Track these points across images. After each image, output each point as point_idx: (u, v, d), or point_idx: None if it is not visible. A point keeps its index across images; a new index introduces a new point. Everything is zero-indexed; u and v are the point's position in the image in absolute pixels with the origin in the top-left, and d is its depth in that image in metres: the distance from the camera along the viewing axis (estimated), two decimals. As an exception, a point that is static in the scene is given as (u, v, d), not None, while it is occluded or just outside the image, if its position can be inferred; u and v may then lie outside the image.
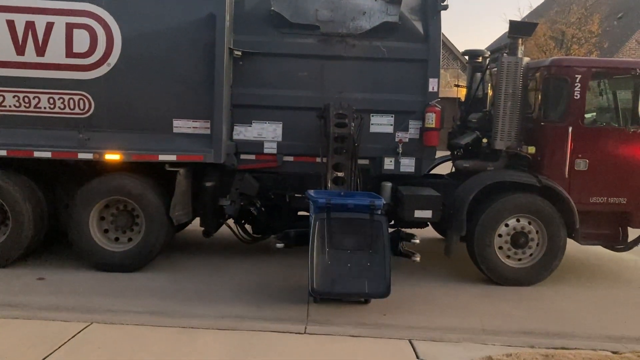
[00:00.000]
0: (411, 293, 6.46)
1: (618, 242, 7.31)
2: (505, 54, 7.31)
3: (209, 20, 6.64)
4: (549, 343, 5.15)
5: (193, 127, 6.99)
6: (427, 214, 7.00)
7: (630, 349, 5.13)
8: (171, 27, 6.77)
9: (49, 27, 6.65)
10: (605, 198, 7.11)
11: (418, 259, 6.50)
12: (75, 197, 6.80)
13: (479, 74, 8.33)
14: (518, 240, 7.00)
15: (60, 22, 6.64)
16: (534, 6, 33.00)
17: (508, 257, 7.01)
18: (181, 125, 6.96)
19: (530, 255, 7.04)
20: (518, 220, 6.97)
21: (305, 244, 5.94)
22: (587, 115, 7.06)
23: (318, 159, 7.11)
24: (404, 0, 7.25)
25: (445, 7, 7.30)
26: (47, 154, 6.75)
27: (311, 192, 6.17)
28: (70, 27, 6.66)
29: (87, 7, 6.62)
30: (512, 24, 7.36)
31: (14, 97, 6.77)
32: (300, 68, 7.16)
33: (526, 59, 7.35)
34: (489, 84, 8.25)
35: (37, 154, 6.74)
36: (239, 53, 6.87)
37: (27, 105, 6.81)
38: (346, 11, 7.32)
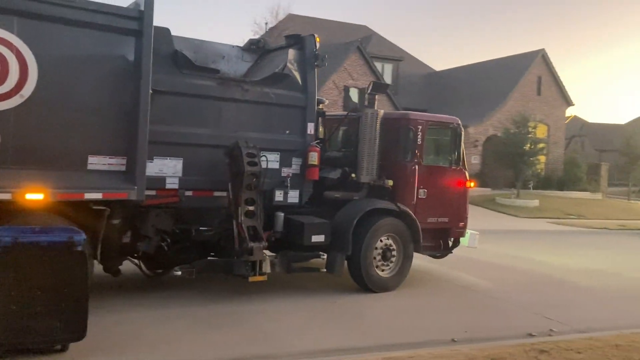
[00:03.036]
0: (120, 330, 6.23)
1: (439, 251, 9.93)
2: (366, 107, 9.19)
3: (130, 54, 6.75)
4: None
5: (108, 164, 6.84)
6: (321, 238, 8.26)
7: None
8: (89, 60, 6.64)
9: None
10: (436, 218, 9.63)
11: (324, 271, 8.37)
12: None
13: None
14: (386, 254, 8.89)
15: None
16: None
17: (378, 267, 8.82)
18: (96, 162, 6.74)
19: (392, 266, 8.98)
20: (387, 239, 8.91)
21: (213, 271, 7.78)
22: (425, 156, 9.38)
23: (216, 193, 7.83)
24: (289, 55, 8.46)
25: (321, 65, 8.70)
26: None
27: None
28: None
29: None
30: (374, 84, 9.49)
31: None
32: (200, 107, 7.63)
33: (381, 111, 9.28)
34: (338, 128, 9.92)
35: None
36: (151, 91, 6.83)
37: None
38: (207, 54, 8.41)
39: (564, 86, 35.23)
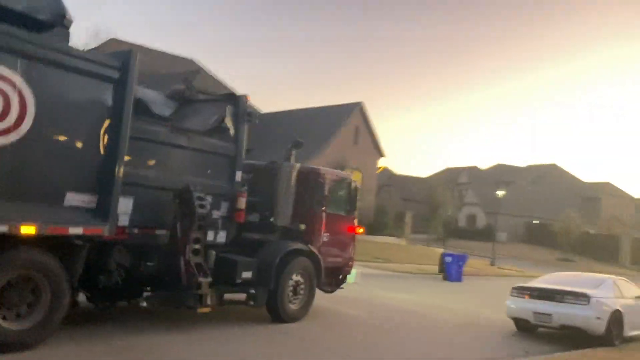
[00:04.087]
0: None
1: (332, 287, 11.57)
2: (284, 162, 10.69)
3: (109, 99, 7.36)
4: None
5: (82, 201, 7.18)
6: (249, 274, 9.37)
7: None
8: (75, 102, 7.12)
9: None
10: (334, 258, 11.27)
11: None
12: None
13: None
14: (296, 289, 10.23)
15: None
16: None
17: (290, 301, 10.11)
18: (72, 199, 7.07)
19: (301, 299, 10.33)
20: (298, 276, 10.21)
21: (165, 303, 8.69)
22: (328, 205, 11.03)
23: (158, 231, 8.48)
24: (227, 110, 9.36)
25: (253, 121, 9.81)
26: None
27: None
28: None
29: (3, 72, 6.36)
30: (294, 142, 11.04)
31: None
32: (151, 151, 8.29)
33: (297, 165, 10.77)
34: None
35: None
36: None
37: None
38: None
39: (378, 138, 38.01)
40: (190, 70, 35.57)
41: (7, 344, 6.45)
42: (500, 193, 38.83)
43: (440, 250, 29.40)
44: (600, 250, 50.50)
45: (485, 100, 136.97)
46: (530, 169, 70.30)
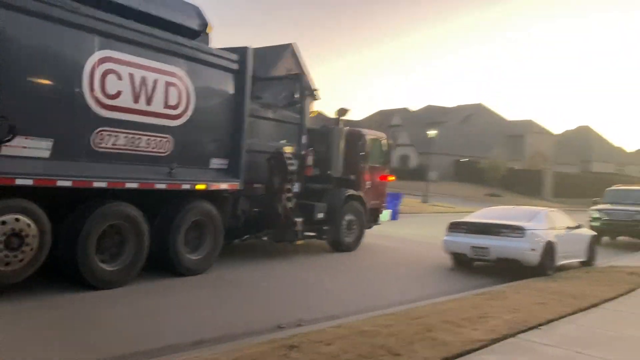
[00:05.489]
0: None
1: (370, 224, 14.42)
2: (334, 126, 13.34)
3: (232, 87, 10.04)
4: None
5: (220, 164, 9.93)
6: (322, 215, 12.56)
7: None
8: (215, 91, 9.83)
9: (155, 82, 8.47)
10: (374, 201, 14.47)
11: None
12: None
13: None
14: (350, 226, 13.33)
15: (161, 79, 8.58)
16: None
17: (346, 235, 13.33)
18: (214, 162, 9.81)
19: (354, 234, 13.53)
20: (350, 215, 13.29)
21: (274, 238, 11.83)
22: (369, 159, 14.19)
23: (255, 185, 11.01)
24: (295, 86, 12.44)
25: (314, 98, 13.28)
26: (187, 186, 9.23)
27: None
28: (166, 84, 8.66)
29: (175, 70, 8.83)
30: (341, 110, 13.39)
31: (124, 137, 8.12)
32: (251, 123, 10.59)
33: (346, 129, 13.67)
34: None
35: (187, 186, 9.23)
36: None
37: (132, 144, 8.24)
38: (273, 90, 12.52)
39: (310, 78, 37.29)
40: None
41: (187, 269, 9.19)
42: (431, 133, 39.39)
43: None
44: (524, 184, 52.77)
45: (415, 44, 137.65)
46: (459, 109, 71.71)
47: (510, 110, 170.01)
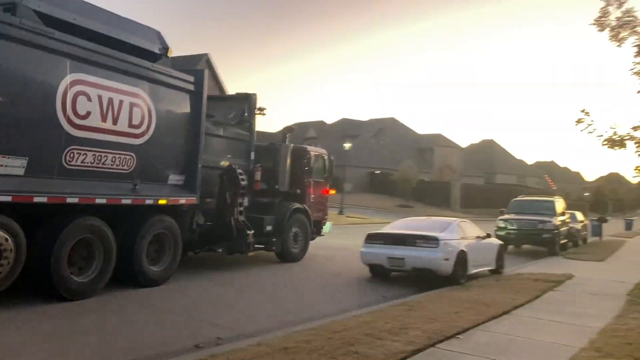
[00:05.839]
0: None
1: (314, 235, 15.24)
2: (281, 143, 14.38)
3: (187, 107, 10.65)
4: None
5: (177, 180, 10.43)
6: (270, 227, 13.31)
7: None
8: (175, 110, 10.35)
9: (120, 102, 8.91)
10: (317, 213, 15.26)
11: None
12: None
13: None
14: (296, 238, 14.15)
15: (126, 100, 9.02)
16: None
17: (293, 247, 14.10)
18: (172, 179, 10.33)
19: (299, 245, 14.28)
20: (296, 228, 14.09)
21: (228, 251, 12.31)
22: (313, 174, 15.12)
23: (207, 199, 11.57)
24: (245, 106, 13.21)
25: (262, 114, 13.63)
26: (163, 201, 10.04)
27: None
28: (130, 105, 9.11)
29: (138, 91, 9.32)
30: (289, 128, 15.60)
31: (92, 155, 8.50)
32: (205, 141, 11.09)
33: (292, 145, 14.59)
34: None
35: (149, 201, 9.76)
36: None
37: (99, 162, 8.62)
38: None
39: (226, 90, 36.80)
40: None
41: (150, 280, 9.65)
42: (347, 146, 39.99)
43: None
44: (434, 196, 54.75)
45: (332, 59, 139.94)
46: (372, 122, 73.44)
47: (420, 124, 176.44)
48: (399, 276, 12.35)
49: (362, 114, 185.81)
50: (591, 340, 6.98)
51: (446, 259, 11.34)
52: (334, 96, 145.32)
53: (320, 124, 72.73)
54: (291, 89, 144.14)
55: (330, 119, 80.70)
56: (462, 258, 11.70)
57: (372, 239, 12.33)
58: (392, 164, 56.79)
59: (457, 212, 47.74)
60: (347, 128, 66.20)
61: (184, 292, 9.62)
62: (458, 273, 11.53)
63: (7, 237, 7.17)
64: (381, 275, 12.26)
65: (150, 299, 8.84)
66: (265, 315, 8.36)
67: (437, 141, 71.60)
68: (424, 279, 11.53)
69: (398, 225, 13.30)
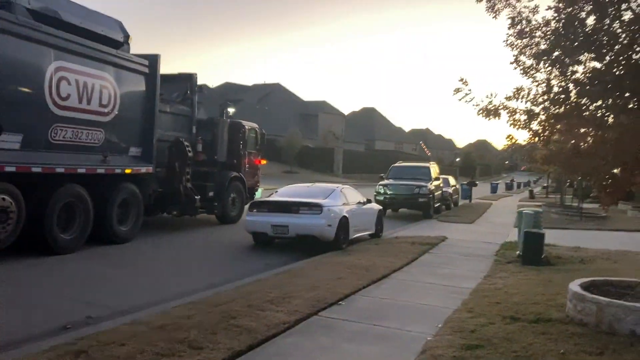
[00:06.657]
0: None
1: (249, 200, 15.77)
2: (219, 117, 16.20)
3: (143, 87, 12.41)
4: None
5: (137, 152, 12.14)
6: (212, 193, 15.14)
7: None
8: (132, 91, 12.02)
9: (92, 85, 10.64)
10: (251, 180, 17.11)
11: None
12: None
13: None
14: (234, 202, 16.05)
15: (97, 83, 10.80)
16: None
17: (231, 210, 16.02)
18: (133, 151, 12.06)
19: (236, 208, 16.13)
20: (234, 193, 15.99)
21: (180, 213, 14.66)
22: (247, 146, 17.12)
23: (158, 169, 12.98)
24: (188, 84, 14.89)
25: (204, 92, 16.22)
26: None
27: None
28: (100, 87, 10.87)
29: (106, 75, 11.06)
30: (226, 102, 17.16)
31: (72, 131, 10.23)
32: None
33: (228, 120, 16.43)
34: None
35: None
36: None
37: (76, 137, 10.35)
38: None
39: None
40: None
41: (121, 238, 11.48)
42: (230, 110, 39.07)
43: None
44: (318, 161, 55.69)
45: (217, 22, 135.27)
46: (257, 87, 72.65)
47: (305, 90, 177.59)
48: (282, 243, 12.33)
49: (247, 79, 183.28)
50: (464, 301, 7.36)
51: (329, 225, 11.48)
52: (218, 60, 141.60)
53: (203, 88, 70.61)
54: (174, 49, 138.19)
55: (213, 83, 78.65)
56: (344, 224, 11.91)
57: (256, 207, 12.19)
58: (277, 130, 56.66)
59: (339, 177, 48.91)
60: (231, 92, 64.84)
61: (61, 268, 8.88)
62: (340, 238, 11.74)
63: (11, 200, 8.73)
64: (265, 243, 12.17)
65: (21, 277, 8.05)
66: (144, 289, 7.93)
67: (321, 107, 72.48)
68: (307, 244, 11.61)
69: (283, 193, 13.25)
